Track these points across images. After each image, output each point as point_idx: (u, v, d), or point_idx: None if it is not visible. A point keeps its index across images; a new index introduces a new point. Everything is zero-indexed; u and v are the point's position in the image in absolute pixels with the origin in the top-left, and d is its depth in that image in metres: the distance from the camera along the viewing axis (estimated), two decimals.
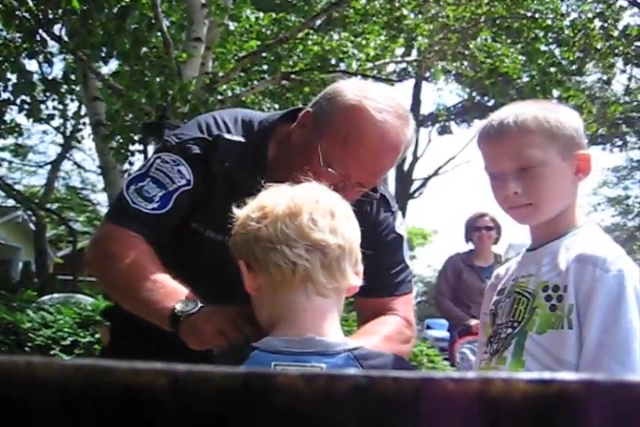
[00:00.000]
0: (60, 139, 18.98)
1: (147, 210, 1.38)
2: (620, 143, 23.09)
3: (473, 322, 4.09)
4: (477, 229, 4.40)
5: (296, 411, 0.32)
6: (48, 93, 8.36)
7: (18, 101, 7.55)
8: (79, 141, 15.26)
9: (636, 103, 16.97)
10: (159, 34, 7.07)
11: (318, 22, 8.91)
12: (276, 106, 9.21)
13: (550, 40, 9.90)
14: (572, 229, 1.31)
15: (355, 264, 1.09)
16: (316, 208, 1.05)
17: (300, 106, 1.52)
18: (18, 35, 7.42)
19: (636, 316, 1.17)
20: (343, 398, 0.31)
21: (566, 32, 9.65)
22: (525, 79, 10.03)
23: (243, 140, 1.45)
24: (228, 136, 1.44)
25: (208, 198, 1.42)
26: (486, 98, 15.77)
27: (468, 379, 0.29)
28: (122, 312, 1.38)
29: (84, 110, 11.52)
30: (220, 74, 7.74)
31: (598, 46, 9.65)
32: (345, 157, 1.32)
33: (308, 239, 1.03)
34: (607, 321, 1.17)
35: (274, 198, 1.08)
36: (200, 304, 1.23)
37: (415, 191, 21.23)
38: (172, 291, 1.27)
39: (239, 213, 1.10)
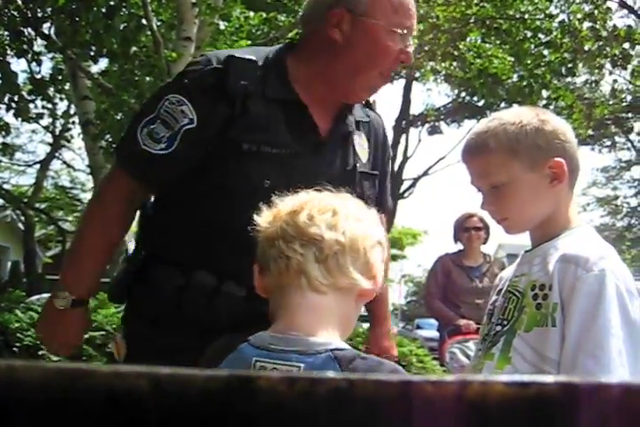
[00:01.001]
0: (49, 138, 18.87)
1: (155, 150, 1.50)
2: (608, 143, 23.22)
3: (462, 322, 4.11)
4: (466, 229, 4.41)
5: (278, 413, 0.32)
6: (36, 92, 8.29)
7: (6, 100, 7.49)
8: (68, 141, 15.18)
9: (624, 104, 17.07)
10: (149, 33, 7.04)
11: None
12: None
13: (539, 41, 9.93)
14: (565, 230, 1.33)
15: (364, 266, 1.04)
16: (316, 206, 1.06)
17: (291, 39, 1.66)
18: (5, 33, 7.37)
19: (615, 314, 1.18)
20: (324, 401, 0.31)
21: (554, 33, 9.68)
22: (515, 80, 10.07)
23: (254, 58, 1.54)
24: (239, 55, 1.53)
25: (245, 118, 1.50)
26: (475, 98, 15.79)
27: (447, 382, 0.30)
28: (146, 311, 1.55)
29: (73, 109, 11.46)
30: None
31: (586, 47, 9.70)
32: (400, 17, 1.56)
33: (304, 235, 1.03)
34: (585, 319, 1.19)
35: (287, 203, 1.10)
36: (71, 303, 1.55)
37: (405, 191, 21.24)
38: (87, 270, 1.58)
39: (259, 220, 1.11)
